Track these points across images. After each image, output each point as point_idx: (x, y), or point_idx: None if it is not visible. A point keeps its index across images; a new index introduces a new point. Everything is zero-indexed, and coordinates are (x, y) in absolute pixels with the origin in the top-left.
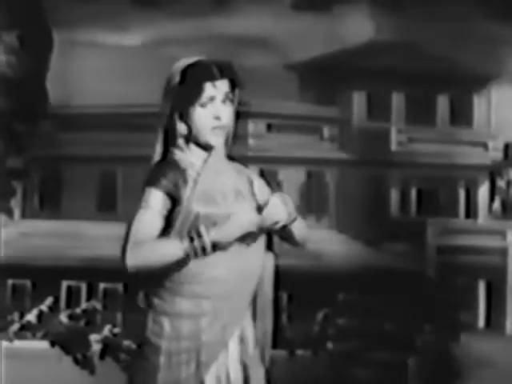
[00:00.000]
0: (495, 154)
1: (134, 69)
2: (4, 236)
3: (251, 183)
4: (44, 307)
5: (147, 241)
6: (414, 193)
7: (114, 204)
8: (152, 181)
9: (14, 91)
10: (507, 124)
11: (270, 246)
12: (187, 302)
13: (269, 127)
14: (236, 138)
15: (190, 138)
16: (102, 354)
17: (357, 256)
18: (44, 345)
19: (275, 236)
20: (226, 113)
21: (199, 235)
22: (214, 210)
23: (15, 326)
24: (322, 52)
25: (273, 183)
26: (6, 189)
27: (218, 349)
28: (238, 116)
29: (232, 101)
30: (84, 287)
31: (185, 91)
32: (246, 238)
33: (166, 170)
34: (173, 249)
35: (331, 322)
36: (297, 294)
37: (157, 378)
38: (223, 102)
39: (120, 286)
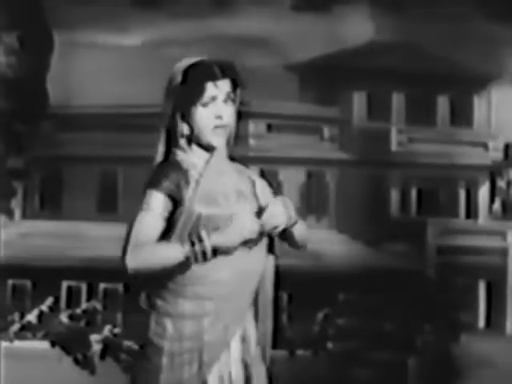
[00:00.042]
0: (495, 154)
1: (134, 69)
2: (4, 236)
3: (253, 184)
4: (44, 307)
5: (148, 243)
6: (414, 193)
7: (114, 204)
8: (153, 182)
9: (15, 91)
10: (507, 124)
11: (271, 248)
12: (190, 304)
13: (269, 127)
14: (237, 138)
15: (192, 139)
16: (103, 354)
17: (357, 256)
18: (44, 345)
19: (276, 238)
20: (228, 112)
21: (200, 240)
22: (215, 211)
23: (15, 326)
24: (322, 52)
25: (273, 183)
26: (6, 189)
27: (220, 349)
28: (240, 116)
29: (234, 101)
30: (84, 287)
31: (186, 91)
32: (248, 243)
33: (167, 172)
34: (173, 252)
35: (331, 322)
36: (297, 294)
37: (159, 379)
38: (225, 101)
39: (120, 287)
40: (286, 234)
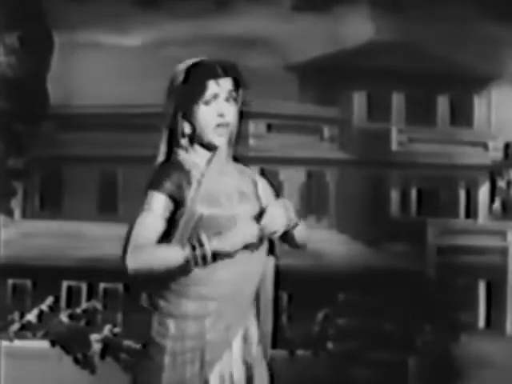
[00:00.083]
0: (495, 154)
1: (134, 69)
2: (4, 236)
3: (255, 184)
4: (44, 307)
5: (148, 244)
6: (414, 193)
7: (114, 204)
8: (155, 183)
9: (15, 92)
10: (507, 124)
11: (271, 249)
12: (193, 304)
13: (269, 127)
14: (239, 138)
15: (194, 138)
16: (103, 354)
17: (357, 256)
18: (44, 344)
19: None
20: (230, 111)
21: (201, 244)
22: (217, 212)
23: (16, 326)
24: (322, 52)
25: (273, 183)
26: (6, 189)
27: (222, 348)
28: (242, 116)
29: (236, 100)
30: (84, 287)
31: (188, 89)
32: (249, 247)
33: (169, 172)
34: (174, 255)
35: (331, 322)
36: (297, 294)
37: (161, 378)
38: (227, 100)
39: (120, 286)
40: (286, 236)
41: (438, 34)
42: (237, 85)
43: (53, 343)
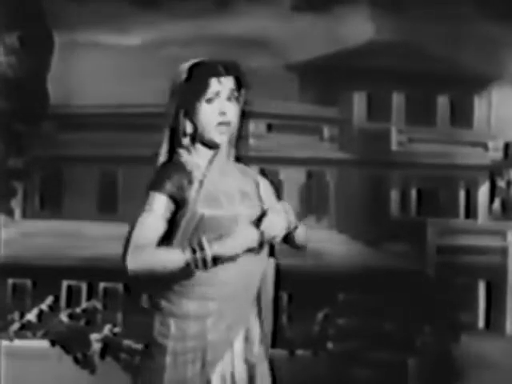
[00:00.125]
0: (495, 154)
1: (134, 69)
2: (4, 236)
3: (257, 185)
4: (44, 306)
5: (148, 245)
6: (414, 193)
7: (114, 204)
8: (156, 184)
9: (15, 91)
10: (507, 124)
11: (271, 251)
12: (194, 304)
13: (269, 127)
14: (240, 138)
15: (196, 137)
16: (103, 354)
17: (357, 256)
18: (44, 344)
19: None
20: (232, 110)
21: (201, 247)
22: (219, 212)
23: (15, 326)
24: (322, 52)
25: (274, 184)
26: (6, 189)
27: (224, 348)
28: (244, 116)
29: (237, 99)
30: (84, 287)
31: (191, 87)
32: (250, 251)
33: (170, 173)
34: (174, 258)
35: (331, 322)
36: (297, 293)
37: (163, 378)
38: (228, 99)
39: (120, 286)
40: (286, 238)
41: (438, 34)
42: (239, 85)
43: (53, 343)
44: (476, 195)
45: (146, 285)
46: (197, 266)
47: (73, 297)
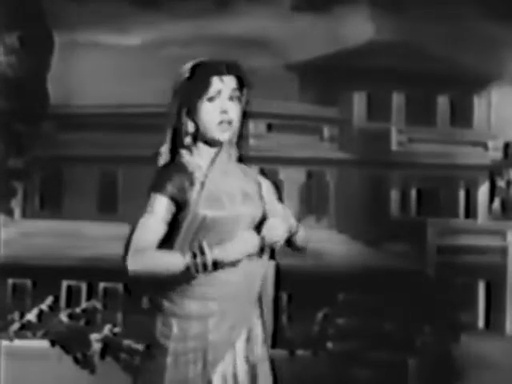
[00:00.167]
0: (495, 154)
1: (134, 69)
2: (4, 236)
3: (259, 185)
4: (44, 306)
5: (149, 248)
6: (413, 193)
7: (114, 204)
8: (157, 186)
9: (15, 91)
10: (507, 124)
11: (272, 254)
12: (196, 304)
13: (269, 127)
14: (242, 138)
15: (198, 136)
16: (103, 354)
17: (357, 256)
18: (44, 344)
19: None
20: (233, 109)
21: (202, 252)
22: (221, 213)
23: (15, 326)
24: (322, 52)
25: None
26: (6, 189)
27: (225, 349)
28: (245, 116)
29: (239, 100)
30: (84, 287)
31: (193, 85)
32: (250, 256)
33: (171, 174)
34: (174, 262)
35: (331, 322)
36: (297, 293)
37: (164, 378)
38: (230, 99)
39: (120, 286)
40: (287, 242)
41: (438, 34)
42: (241, 85)
43: (53, 343)
44: (476, 195)
45: (147, 286)
46: (197, 270)
47: (73, 297)
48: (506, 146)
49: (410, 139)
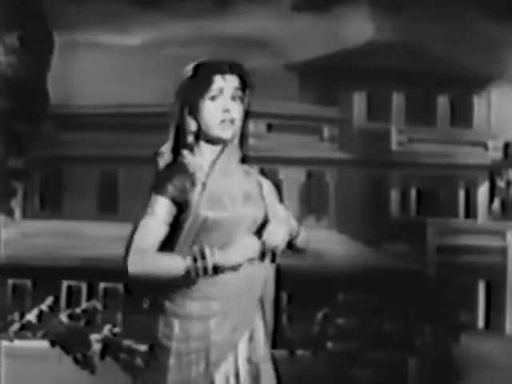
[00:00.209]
0: (495, 153)
1: (134, 69)
2: (4, 236)
3: (260, 186)
4: (44, 307)
5: (150, 249)
6: (413, 193)
7: (114, 204)
8: (158, 187)
9: (15, 91)
10: (507, 124)
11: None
12: (197, 304)
13: (269, 127)
14: (243, 137)
15: (200, 135)
16: (103, 354)
17: (357, 256)
18: (44, 344)
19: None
20: (235, 109)
21: (203, 256)
22: (222, 214)
23: (15, 326)
24: (322, 52)
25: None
26: (6, 189)
27: (227, 349)
28: (248, 116)
29: (241, 99)
30: (84, 287)
31: (195, 85)
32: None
33: (173, 175)
34: (175, 265)
35: (331, 322)
36: (297, 294)
37: (167, 379)
38: (232, 98)
39: (120, 286)
40: (287, 244)
41: (438, 34)
42: (243, 86)
43: (53, 343)
44: (476, 195)
45: (147, 287)
46: (197, 274)
47: (73, 297)
48: (506, 146)
49: (410, 139)
